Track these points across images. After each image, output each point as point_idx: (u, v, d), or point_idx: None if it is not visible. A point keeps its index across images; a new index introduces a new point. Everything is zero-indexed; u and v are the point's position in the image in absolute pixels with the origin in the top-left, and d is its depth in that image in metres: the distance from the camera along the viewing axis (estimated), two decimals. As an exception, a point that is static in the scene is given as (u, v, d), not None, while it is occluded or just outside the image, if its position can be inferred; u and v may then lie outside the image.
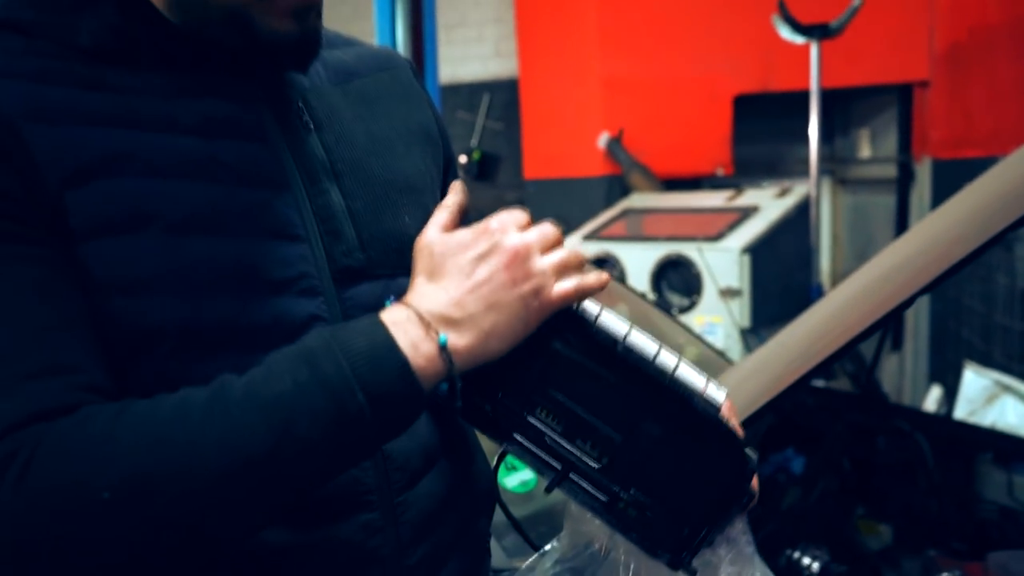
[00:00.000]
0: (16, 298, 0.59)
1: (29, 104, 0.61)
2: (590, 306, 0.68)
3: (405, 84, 0.86)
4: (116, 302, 0.62)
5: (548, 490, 0.68)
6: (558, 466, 0.66)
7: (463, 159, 6.33)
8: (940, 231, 1.48)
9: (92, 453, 0.55)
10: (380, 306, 0.72)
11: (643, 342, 0.68)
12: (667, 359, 0.68)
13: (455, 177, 0.91)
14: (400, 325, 0.61)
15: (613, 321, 0.68)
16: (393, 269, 0.75)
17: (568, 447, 0.66)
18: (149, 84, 0.67)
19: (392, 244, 0.76)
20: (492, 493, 0.84)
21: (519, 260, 0.65)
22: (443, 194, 0.86)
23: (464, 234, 0.66)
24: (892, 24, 3.95)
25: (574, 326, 0.67)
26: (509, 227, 0.66)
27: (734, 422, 0.68)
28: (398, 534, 0.72)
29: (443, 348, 0.61)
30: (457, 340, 0.62)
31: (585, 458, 0.66)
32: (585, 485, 0.66)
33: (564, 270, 0.67)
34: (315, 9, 0.70)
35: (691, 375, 0.69)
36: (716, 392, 0.68)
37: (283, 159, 0.71)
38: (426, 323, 0.62)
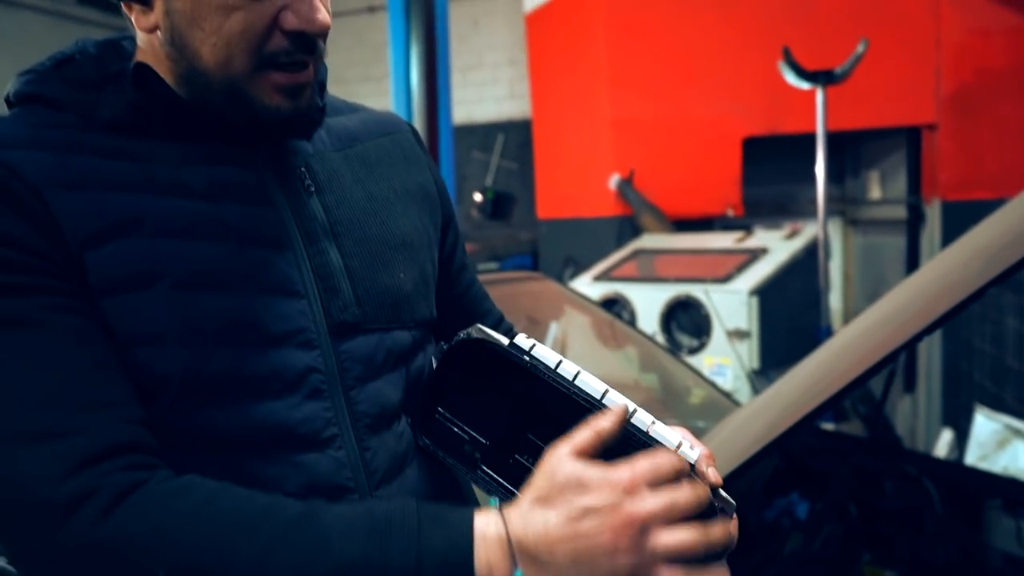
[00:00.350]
0: (58, 345, 0.64)
1: (53, 172, 0.68)
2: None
3: (406, 148, 0.92)
4: (130, 351, 0.67)
5: None
6: None
7: (478, 197, 6.41)
8: (943, 273, 1.49)
9: (171, 530, 0.61)
10: (374, 359, 0.77)
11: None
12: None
13: (456, 235, 0.96)
14: (486, 541, 0.62)
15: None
16: (388, 323, 0.80)
17: None
18: (162, 153, 0.73)
19: (387, 299, 0.80)
20: None
21: (631, 531, 0.60)
22: (441, 251, 0.92)
23: (592, 474, 0.61)
24: (898, 68, 3.99)
25: None
26: (641, 487, 0.61)
27: (711, 472, 0.68)
28: None
29: None
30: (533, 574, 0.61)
31: None
32: None
33: (678, 555, 0.60)
34: (308, 87, 0.75)
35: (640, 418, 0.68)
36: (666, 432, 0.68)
37: (285, 220, 0.76)
38: (511, 551, 0.62)
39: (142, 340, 0.67)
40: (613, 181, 4.43)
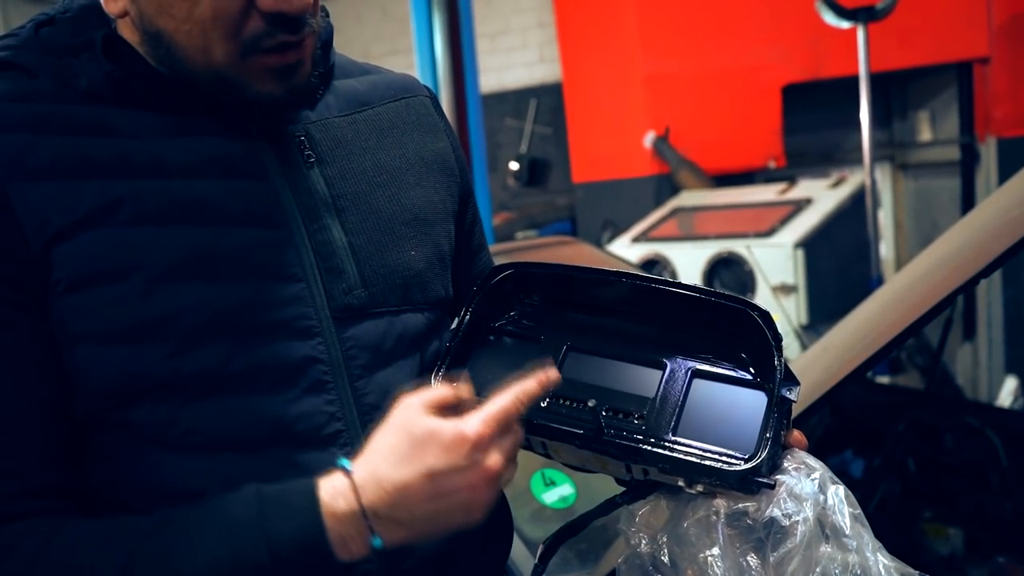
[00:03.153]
0: None
1: (19, 160, 0.62)
2: None
3: (422, 113, 0.84)
4: (99, 352, 0.62)
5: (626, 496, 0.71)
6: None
7: (514, 166, 6.33)
8: (1001, 210, 1.39)
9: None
10: (382, 345, 0.72)
11: None
12: None
13: (475, 211, 0.89)
14: (336, 516, 0.59)
15: None
16: (398, 305, 0.74)
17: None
18: (143, 124, 0.67)
19: (396, 280, 0.74)
20: (506, 524, 0.83)
21: (487, 485, 0.62)
22: (459, 228, 0.85)
23: (447, 430, 0.61)
24: (946, 0, 3.79)
25: None
26: (486, 442, 0.62)
27: None
28: None
29: (374, 548, 0.60)
30: (392, 537, 0.61)
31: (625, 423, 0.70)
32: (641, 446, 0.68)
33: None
34: (302, 64, 0.68)
35: None
36: None
37: (281, 196, 0.70)
38: (367, 523, 0.59)
39: (114, 337, 0.62)
40: (648, 139, 4.32)
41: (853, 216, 3.36)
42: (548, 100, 6.23)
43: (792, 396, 0.67)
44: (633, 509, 0.70)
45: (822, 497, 0.64)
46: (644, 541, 0.69)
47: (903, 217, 4.66)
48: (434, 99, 0.87)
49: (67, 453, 0.64)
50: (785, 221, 3.26)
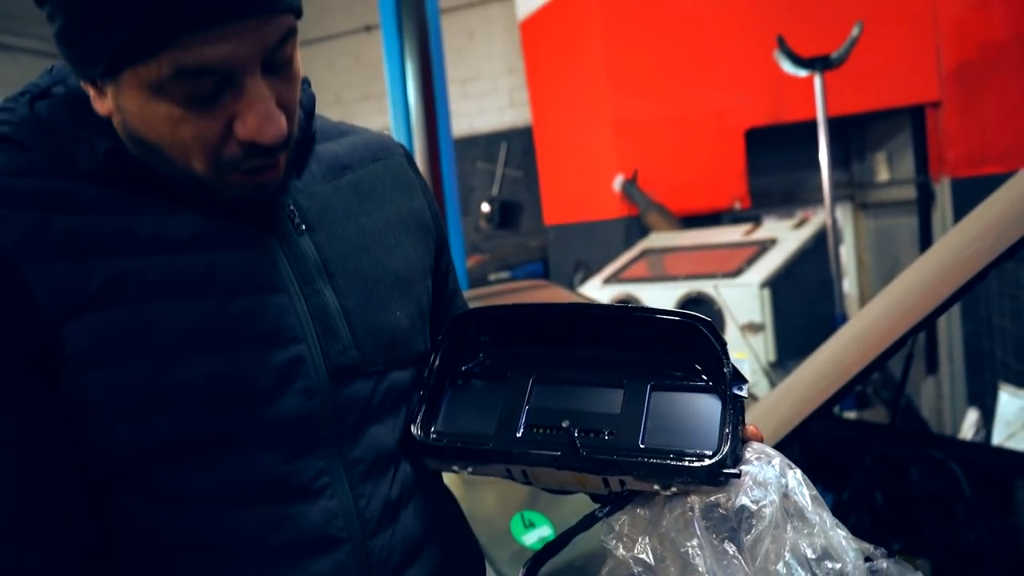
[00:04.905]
0: (5, 466, 0.62)
1: (32, 238, 0.63)
2: None
3: (398, 173, 0.88)
4: (113, 424, 0.64)
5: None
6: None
7: (485, 208, 6.41)
8: (953, 251, 1.46)
9: None
10: (372, 401, 0.76)
11: None
12: None
13: (449, 259, 0.93)
14: None
15: None
16: (386, 364, 0.77)
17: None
18: (144, 201, 0.69)
19: (384, 340, 0.77)
20: (478, 564, 0.87)
21: None
22: (435, 276, 0.88)
23: None
24: (897, 48, 3.95)
25: None
26: None
27: None
28: None
29: None
30: None
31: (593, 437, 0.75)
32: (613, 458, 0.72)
33: None
34: (273, 179, 0.70)
35: None
36: None
37: (278, 263, 0.72)
38: None
39: (128, 411, 0.64)
40: (617, 182, 4.42)
41: (816, 255, 3.46)
42: (518, 144, 6.34)
43: (743, 393, 0.73)
44: (612, 521, 0.73)
45: (783, 481, 0.69)
46: (625, 548, 0.71)
47: (864, 254, 4.79)
48: (409, 157, 0.91)
49: (89, 520, 0.66)
50: (751, 261, 3.35)
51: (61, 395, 0.64)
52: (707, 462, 0.69)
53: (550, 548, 0.78)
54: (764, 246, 3.45)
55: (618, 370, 0.78)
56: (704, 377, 0.77)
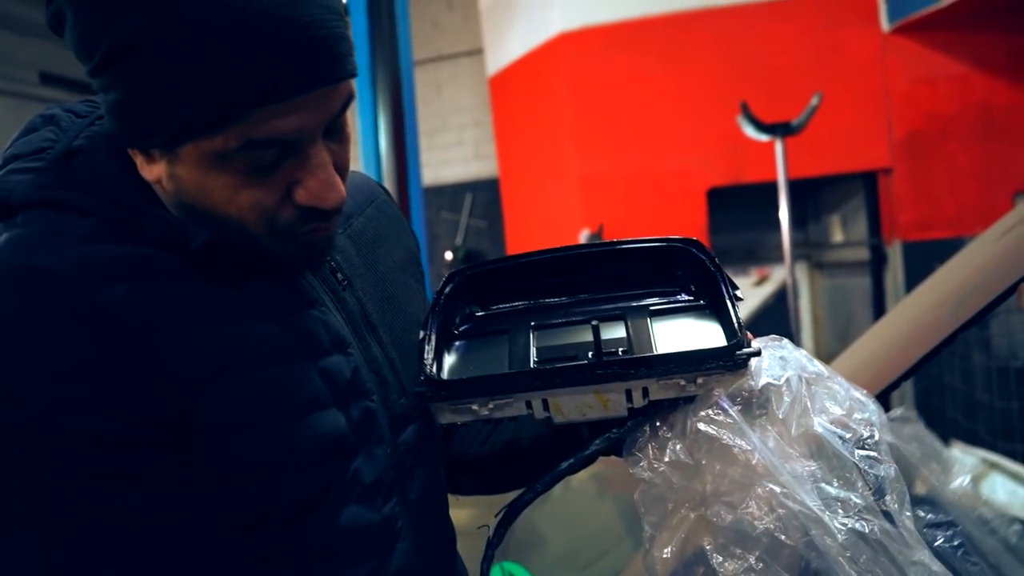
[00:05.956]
0: (156, 547, 0.61)
1: (159, 309, 0.61)
2: None
3: (388, 212, 0.90)
4: (238, 489, 0.64)
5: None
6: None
7: (448, 256, 6.45)
8: (913, 319, 1.55)
9: None
10: (420, 445, 0.77)
11: None
12: None
13: (425, 290, 0.94)
14: None
15: None
16: (422, 410, 0.78)
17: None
18: (221, 273, 0.68)
19: (418, 386, 0.78)
20: None
21: None
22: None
23: None
24: (851, 117, 4.15)
25: None
26: None
27: None
28: None
29: None
30: None
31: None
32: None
33: None
34: (325, 240, 0.70)
35: None
36: None
37: (337, 321, 0.74)
38: None
39: (251, 476, 0.64)
40: (583, 236, 4.50)
41: (776, 311, 3.57)
42: (483, 195, 6.43)
43: (739, 295, 0.76)
44: (635, 449, 0.72)
45: (796, 355, 0.72)
46: (657, 461, 0.69)
47: (820, 312, 4.94)
48: (389, 193, 0.93)
49: None
50: (715, 317, 3.43)
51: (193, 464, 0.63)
52: (728, 343, 0.70)
53: (533, 493, 0.76)
54: (726, 303, 3.55)
55: (614, 303, 0.80)
56: (698, 293, 0.79)
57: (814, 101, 3.42)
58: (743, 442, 0.66)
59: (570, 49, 4.55)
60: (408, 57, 3.69)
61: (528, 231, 5.20)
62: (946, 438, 3.38)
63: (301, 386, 0.68)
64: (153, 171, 0.65)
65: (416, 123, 3.81)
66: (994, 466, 2.79)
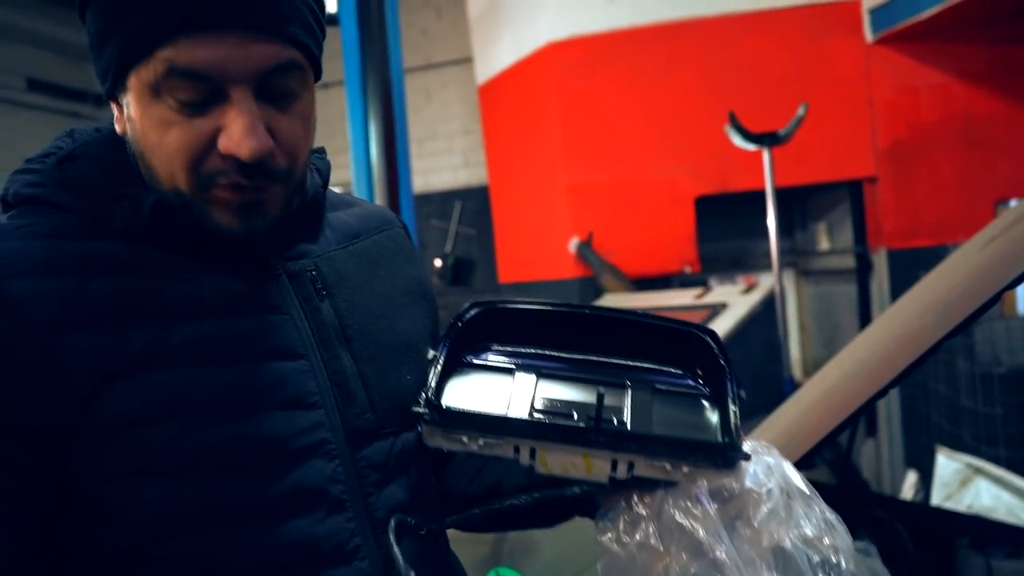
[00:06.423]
0: None
1: (73, 306, 0.65)
2: None
3: (400, 242, 0.93)
4: (146, 487, 0.66)
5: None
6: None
7: (438, 263, 6.47)
8: (903, 322, 1.57)
9: None
10: (388, 464, 0.77)
11: None
12: None
13: (437, 324, 0.95)
14: None
15: None
16: (398, 427, 0.79)
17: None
18: (178, 264, 0.71)
19: (397, 403, 0.79)
20: None
21: None
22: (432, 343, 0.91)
23: None
24: (836, 127, 4.21)
25: None
26: None
27: None
28: None
29: None
30: None
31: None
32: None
33: None
34: (262, 207, 0.71)
35: None
36: None
37: (300, 328, 0.75)
38: None
39: (160, 472, 0.65)
40: (573, 244, 4.53)
41: (764, 319, 3.60)
42: (472, 203, 6.45)
43: (743, 395, 0.76)
44: (608, 520, 0.73)
45: (782, 467, 0.72)
46: (626, 537, 0.70)
47: (807, 319, 4.99)
48: (406, 228, 0.96)
49: None
50: (704, 323, 3.45)
51: (86, 465, 0.65)
52: (722, 440, 0.72)
53: (476, 513, 0.77)
54: (715, 310, 3.58)
55: (624, 371, 0.81)
56: (703, 380, 0.80)
57: (800, 111, 3.47)
58: (714, 540, 0.67)
59: (559, 58, 4.59)
60: (398, 65, 3.70)
61: (517, 239, 5.23)
62: (931, 443, 3.42)
63: (224, 389, 0.68)
64: (121, 121, 0.73)
65: (407, 131, 3.83)
66: (978, 471, 2.83)
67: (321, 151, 0.90)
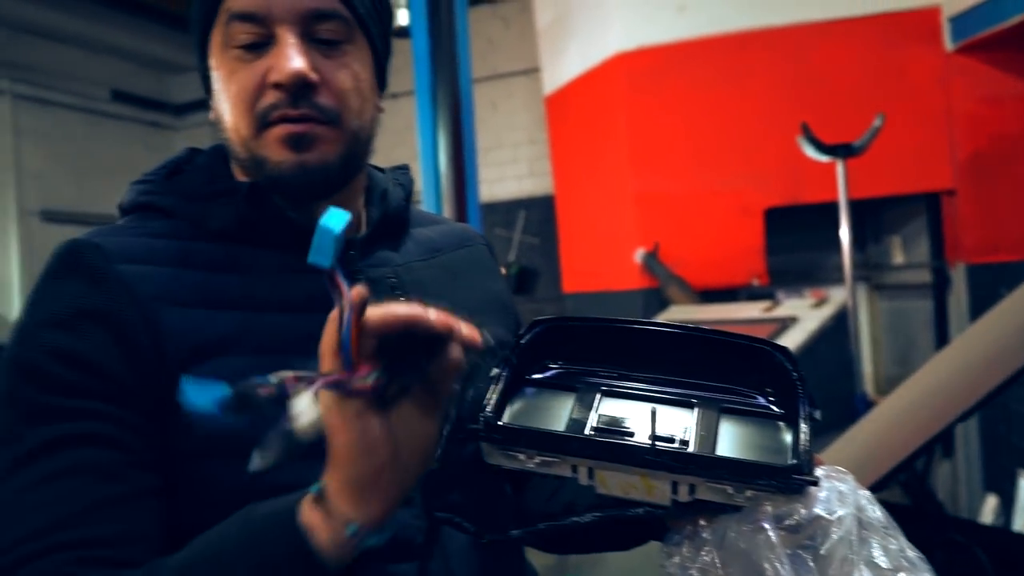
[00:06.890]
0: (69, 479, 0.65)
1: (169, 289, 0.73)
2: None
3: (482, 259, 0.97)
4: (211, 466, 0.70)
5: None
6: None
7: (501, 271, 6.52)
8: (985, 347, 1.53)
9: None
10: (455, 470, 0.75)
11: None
12: None
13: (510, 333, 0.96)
14: (316, 528, 0.62)
15: None
16: (469, 435, 0.80)
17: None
18: (266, 261, 0.78)
19: (473, 423, 0.80)
20: None
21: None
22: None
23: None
24: (914, 138, 4.09)
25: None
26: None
27: None
28: None
29: (354, 535, 0.61)
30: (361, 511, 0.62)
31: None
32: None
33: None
34: (315, 141, 0.76)
35: None
36: None
37: None
38: (339, 523, 0.61)
39: (226, 455, 0.67)
40: (639, 255, 4.51)
41: (835, 334, 3.52)
42: (536, 212, 6.49)
43: (818, 416, 0.72)
44: (672, 545, 0.71)
45: (858, 495, 0.68)
46: (688, 562, 0.69)
47: (880, 335, 4.86)
48: (489, 246, 1.00)
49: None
50: (773, 338, 3.40)
51: (173, 433, 0.70)
52: (789, 464, 0.67)
53: (534, 530, 0.76)
54: (785, 324, 3.52)
55: (690, 389, 0.79)
56: (776, 400, 0.77)
57: (877, 122, 3.39)
58: (779, 568, 0.64)
59: (627, 69, 4.58)
60: (467, 76, 3.76)
61: (582, 249, 5.23)
62: (1012, 467, 3.29)
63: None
64: (215, 110, 0.80)
65: (474, 142, 3.88)
66: (1064, 497, 2.72)
67: (405, 168, 0.95)
